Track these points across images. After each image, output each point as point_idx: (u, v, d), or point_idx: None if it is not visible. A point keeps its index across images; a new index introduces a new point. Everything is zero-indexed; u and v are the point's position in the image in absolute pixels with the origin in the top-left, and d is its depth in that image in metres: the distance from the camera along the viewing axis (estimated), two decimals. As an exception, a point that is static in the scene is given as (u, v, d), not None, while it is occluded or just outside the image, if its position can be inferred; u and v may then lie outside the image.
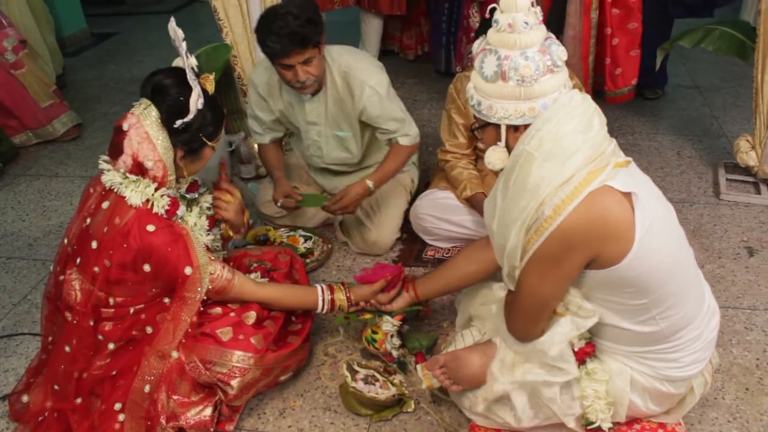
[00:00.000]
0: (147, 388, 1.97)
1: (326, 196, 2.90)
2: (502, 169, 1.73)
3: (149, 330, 2.00)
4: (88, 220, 1.95)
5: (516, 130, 1.66)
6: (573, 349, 1.78)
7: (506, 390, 1.86)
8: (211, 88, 1.97)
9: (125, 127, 1.89)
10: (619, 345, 1.80)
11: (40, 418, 2.07)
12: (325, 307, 2.22)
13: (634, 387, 1.82)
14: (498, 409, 1.91)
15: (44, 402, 2.08)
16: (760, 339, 2.39)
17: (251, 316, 2.09)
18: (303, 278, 2.43)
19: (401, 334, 2.33)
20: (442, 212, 2.85)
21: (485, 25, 1.66)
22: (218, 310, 2.09)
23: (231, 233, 2.26)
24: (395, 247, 2.98)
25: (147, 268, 1.90)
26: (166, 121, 1.89)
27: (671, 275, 1.67)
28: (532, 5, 1.60)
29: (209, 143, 1.98)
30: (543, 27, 1.63)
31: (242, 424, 2.15)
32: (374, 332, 2.26)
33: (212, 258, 2.03)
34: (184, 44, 1.89)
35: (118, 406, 1.98)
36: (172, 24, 1.90)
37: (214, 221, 2.15)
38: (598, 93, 3.79)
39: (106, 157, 1.95)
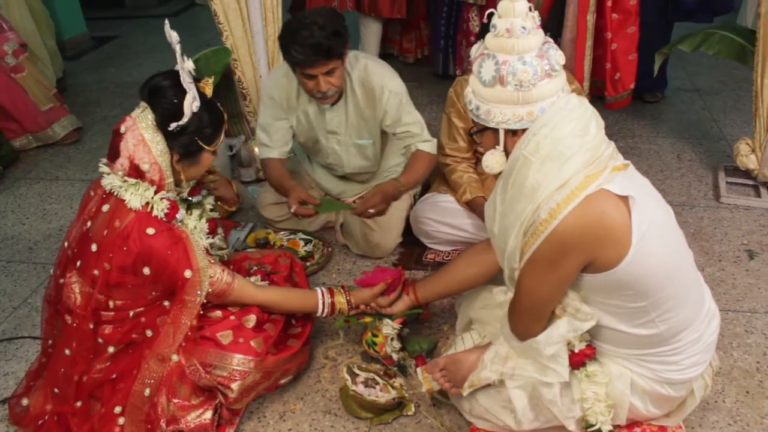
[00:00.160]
0: (147, 392, 1.97)
1: (345, 202, 2.85)
2: (501, 173, 1.73)
3: (149, 333, 2.00)
4: (89, 224, 1.95)
5: (514, 134, 1.67)
6: (573, 351, 1.78)
7: (492, 379, 1.86)
8: (209, 91, 1.97)
9: (122, 130, 1.90)
10: (619, 348, 1.80)
11: (40, 422, 2.07)
12: (325, 310, 2.22)
13: (634, 390, 1.82)
14: (498, 412, 1.91)
15: (44, 405, 2.08)
16: (761, 342, 2.39)
17: (251, 320, 2.09)
18: (303, 281, 2.43)
19: (401, 337, 2.33)
20: (442, 215, 2.85)
21: (486, 30, 1.66)
22: (218, 313, 2.09)
23: (226, 208, 2.28)
24: (395, 251, 2.98)
25: (147, 271, 1.90)
26: (161, 124, 1.89)
27: (670, 278, 1.67)
28: (530, 10, 1.60)
29: (206, 147, 1.98)
30: (541, 31, 1.63)
31: (242, 428, 2.15)
32: (374, 335, 2.26)
33: (212, 261, 2.03)
34: (178, 47, 1.89)
35: (118, 409, 1.98)
36: (167, 27, 1.90)
37: (215, 225, 2.15)
38: (596, 97, 3.79)
39: (105, 161, 1.95)
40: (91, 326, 1.97)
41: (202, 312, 2.02)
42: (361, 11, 4.61)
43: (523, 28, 1.58)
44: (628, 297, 1.66)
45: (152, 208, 1.90)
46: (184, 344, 1.99)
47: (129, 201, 1.88)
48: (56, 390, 2.04)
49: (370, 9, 4.56)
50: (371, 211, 2.74)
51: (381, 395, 2.12)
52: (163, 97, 1.88)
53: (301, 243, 2.97)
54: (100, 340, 1.99)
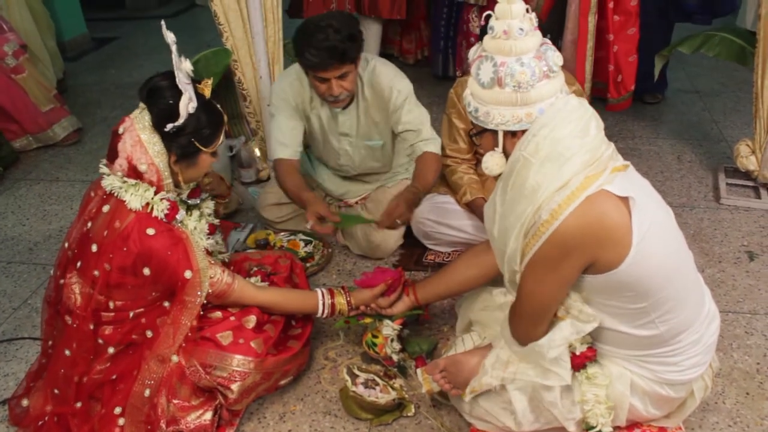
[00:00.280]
0: (147, 392, 1.97)
1: (366, 216, 2.79)
2: (500, 175, 1.73)
3: (149, 334, 2.00)
4: (89, 224, 1.95)
5: (513, 135, 1.67)
6: (575, 353, 1.77)
7: (494, 385, 1.86)
8: (208, 93, 1.97)
9: (121, 130, 1.91)
10: (619, 349, 1.80)
11: (40, 423, 2.07)
12: (326, 311, 2.22)
13: (634, 391, 1.82)
14: (498, 413, 1.91)
15: (44, 406, 2.08)
16: (761, 343, 2.39)
17: (251, 320, 2.09)
18: (303, 282, 2.43)
19: (401, 338, 2.33)
20: (442, 217, 2.85)
21: (485, 32, 1.67)
22: (218, 314, 2.09)
23: (219, 201, 2.28)
24: (395, 252, 2.98)
25: (147, 271, 1.90)
26: (157, 125, 1.89)
27: (670, 279, 1.67)
28: (527, 12, 1.61)
29: (203, 149, 1.97)
30: (538, 33, 1.64)
31: (242, 428, 2.15)
32: (374, 336, 2.26)
33: (212, 262, 2.03)
34: (174, 47, 1.88)
35: (118, 410, 1.98)
36: (164, 28, 1.90)
37: (214, 227, 2.15)
38: (596, 99, 3.79)
39: (105, 161, 1.96)
40: (91, 327, 1.97)
41: (202, 313, 2.02)
42: (361, 13, 4.61)
43: (521, 29, 1.58)
44: (629, 298, 1.66)
45: (152, 208, 1.90)
46: (184, 345, 1.99)
47: (129, 202, 1.89)
48: (56, 391, 2.04)
49: (370, 10, 4.56)
50: (398, 221, 2.70)
51: (381, 396, 2.12)
52: (160, 97, 1.88)
53: (301, 244, 2.97)
54: (100, 341, 1.99)
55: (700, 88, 4.69)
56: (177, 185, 2.01)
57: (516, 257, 1.68)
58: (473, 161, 2.85)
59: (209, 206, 2.16)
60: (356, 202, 3.11)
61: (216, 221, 2.17)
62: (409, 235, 2.99)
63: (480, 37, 1.69)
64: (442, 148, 2.86)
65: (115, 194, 1.90)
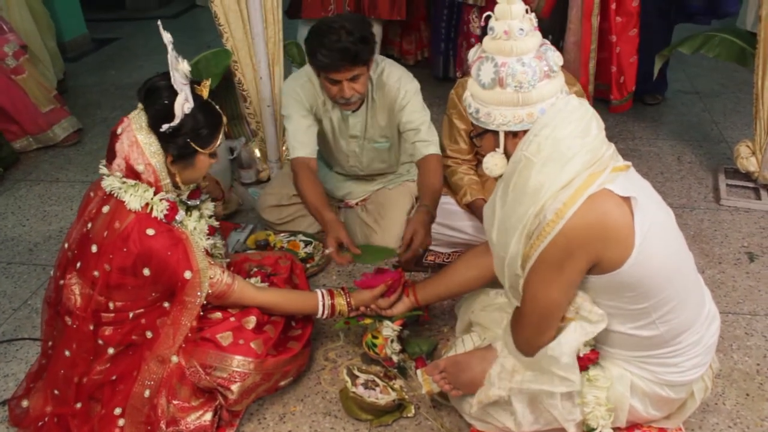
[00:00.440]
0: (147, 393, 1.97)
1: (390, 249, 2.63)
2: (501, 176, 1.73)
3: (149, 335, 2.00)
4: (89, 225, 1.95)
5: (515, 136, 1.67)
6: (579, 355, 1.77)
7: (502, 396, 1.86)
8: (206, 93, 1.96)
9: (119, 131, 1.91)
10: (619, 350, 1.79)
11: (40, 423, 2.07)
12: (325, 312, 2.22)
13: (634, 392, 1.82)
14: (498, 414, 1.91)
15: (44, 407, 2.08)
16: (761, 344, 2.39)
17: (251, 321, 2.09)
18: (303, 283, 2.43)
19: (401, 339, 2.33)
20: (442, 217, 2.85)
21: (486, 33, 1.67)
22: (218, 314, 2.09)
23: (219, 203, 2.28)
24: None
25: (147, 272, 1.90)
26: (153, 126, 1.89)
27: (671, 280, 1.67)
28: (527, 12, 1.61)
29: (200, 150, 1.96)
30: (538, 33, 1.64)
31: (242, 429, 2.15)
32: (374, 337, 2.26)
33: (212, 262, 2.03)
34: (170, 47, 1.88)
35: (118, 410, 1.98)
36: (161, 28, 1.90)
37: (214, 229, 2.15)
38: (599, 100, 3.80)
39: (105, 162, 1.96)
40: (91, 328, 1.97)
41: (202, 313, 2.02)
42: (361, 14, 4.60)
43: (521, 29, 1.58)
44: (630, 299, 1.66)
45: (152, 209, 1.90)
46: (184, 345, 1.99)
47: (128, 202, 1.89)
48: (56, 391, 2.04)
49: (369, 11, 4.56)
50: (420, 250, 2.60)
51: (381, 397, 2.12)
52: (157, 98, 1.88)
53: (301, 245, 2.97)
54: (100, 342, 1.99)
55: (700, 89, 4.69)
56: (176, 186, 2.01)
57: (516, 261, 1.67)
58: (474, 162, 2.85)
59: (209, 207, 2.16)
60: (357, 203, 3.11)
61: (216, 223, 2.17)
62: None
63: (481, 38, 1.69)
64: (443, 149, 2.86)
65: (115, 195, 1.90)
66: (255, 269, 2.38)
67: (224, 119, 2.04)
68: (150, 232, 1.88)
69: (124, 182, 1.91)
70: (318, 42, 2.44)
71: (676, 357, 1.76)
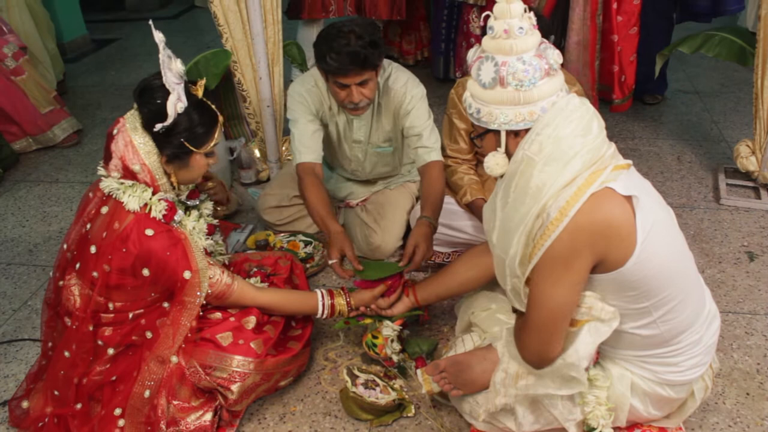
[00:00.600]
0: (147, 393, 1.97)
1: (394, 264, 2.53)
2: (501, 176, 1.73)
3: (149, 335, 2.00)
4: (88, 226, 1.95)
5: (516, 135, 1.67)
6: None
7: (509, 403, 1.85)
8: (200, 93, 1.96)
9: (114, 131, 1.91)
10: (620, 349, 1.80)
11: (40, 424, 2.07)
12: (325, 312, 2.22)
13: (634, 391, 1.82)
14: (498, 414, 1.91)
15: (44, 407, 2.08)
16: (761, 344, 2.39)
17: (251, 321, 2.09)
18: (303, 283, 2.43)
19: (401, 339, 2.33)
20: (442, 217, 2.84)
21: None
22: (218, 315, 2.09)
23: (218, 209, 2.27)
24: (395, 252, 2.98)
25: (146, 272, 1.90)
26: (146, 126, 1.89)
27: (672, 279, 1.67)
28: (525, 11, 1.61)
29: (195, 149, 1.95)
30: (537, 32, 1.64)
31: (242, 429, 2.15)
32: (374, 337, 2.26)
33: (211, 262, 2.03)
34: (162, 46, 1.87)
35: (118, 411, 1.98)
36: (153, 27, 1.90)
37: (213, 228, 2.15)
38: (600, 100, 3.80)
39: (102, 163, 1.96)
40: (91, 328, 1.97)
41: (201, 313, 2.02)
42: (362, 14, 4.61)
43: (521, 28, 1.58)
44: (631, 298, 1.66)
45: (150, 209, 1.90)
46: (183, 346, 1.99)
47: (127, 203, 1.88)
48: (56, 392, 2.04)
49: (370, 12, 4.56)
50: (424, 262, 2.55)
51: (381, 397, 2.12)
52: (150, 98, 1.88)
53: (301, 245, 2.97)
54: (99, 342, 1.99)
55: (700, 89, 4.69)
56: (174, 186, 2.01)
57: (517, 260, 1.67)
58: (474, 161, 2.85)
59: (208, 207, 2.16)
60: (357, 204, 3.10)
61: (215, 222, 2.17)
62: (408, 235, 2.98)
63: (481, 38, 1.69)
64: (443, 149, 2.86)
65: (114, 195, 1.90)
66: (255, 269, 2.38)
67: (220, 118, 2.03)
68: (149, 232, 1.88)
69: (122, 183, 1.91)
70: (327, 46, 2.41)
71: (676, 356, 1.76)
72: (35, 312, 2.74)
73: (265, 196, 3.12)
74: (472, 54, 1.70)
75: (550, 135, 1.59)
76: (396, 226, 2.94)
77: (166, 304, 2.02)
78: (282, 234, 3.04)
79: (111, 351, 2.00)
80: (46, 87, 4.32)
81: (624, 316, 1.70)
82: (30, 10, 4.62)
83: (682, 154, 3.79)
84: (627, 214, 1.59)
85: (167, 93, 1.85)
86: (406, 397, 2.19)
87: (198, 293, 1.96)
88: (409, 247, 2.40)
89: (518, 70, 1.58)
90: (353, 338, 2.48)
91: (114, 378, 2.01)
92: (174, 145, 1.92)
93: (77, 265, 1.97)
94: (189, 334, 1.99)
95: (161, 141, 1.91)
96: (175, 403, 2.00)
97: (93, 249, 1.92)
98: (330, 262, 2.38)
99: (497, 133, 1.68)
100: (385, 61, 2.69)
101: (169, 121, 1.86)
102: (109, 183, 1.92)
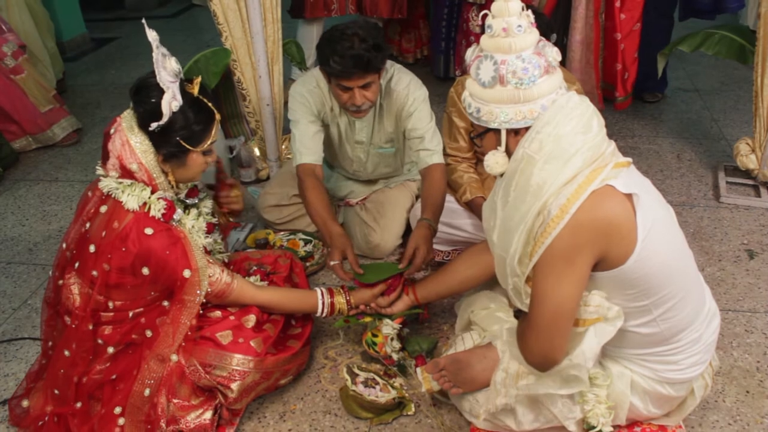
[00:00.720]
0: (147, 392, 1.97)
1: (394, 265, 2.50)
2: (501, 175, 1.73)
3: (149, 334, 2.00)
4: (87, 225, 1.95)
5: (516, 133, 1.67)
6: None
7: (509, 403, 1.85)
8: (195, 91, 1.95)
9: (111, 131, 1.91)
10: (620, 348, 1.79)
11: (40, 423, 2.07)
12: (325, 310, 2.22)
13: (634, 390, 1.82)
14: (498, 413, 1.90)
15: (44, 406, 2.08)
16: (761, 342, 2.39)
17: (251, 320, 2.09)
18: (303, 282, 2.43)
19: (401, 337, 2.33)
20: (442, 215, 2.85)
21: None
22: (218, 313, 2.09)
23: (231, 219, 2.27)
24: (395, 251, 2.98)
25: (146, 271, 1.90)
26: (142, 124, 1.89)
27: (672, 277, 1.67)
28: (523, 9, 1.61)
29: (190, 148, 1.95)
30: (536, 29, 1.64)
31: (242, 428, 2.15)
32: (374, 335, 2.26)
33: (211, 261, 2.03)
34: (154, 44, 1.87)
35: (118, 410, 1.98)
36: (146, 26, 1.89)
37: (213, 226, 2.15)
38: (606, 100, 3.81)
39: (100, 163, 1.96)
40: (91, 327, 1.97)
41: (201, 312, 2.02)
42: (363, 13, 4.61)
43: (519, 26, 1.58)
44: (631, 296, 1.66)
45: (149, 208, 1.90)
46: (183, 344, 1.99)
47: (126, 202, 1.88)
48: (56, 391, 2.04)
49: (371, 10, 4.56)
50: (425, 264, 2.51)
51: (381, 395, 2.12)
52: (145, 97, 1.87)
53: (301, 243, 2.97)
54: (99, 341, 1.99)
55: (700, 87, 4.69)
56: (173, 185, 2.01)
57: (516, 259, 1.67)
58: (473, 160, 2.85)
59: (207, 205, 2.15)
60: (357, 202, 3.10)
61: (214, 220, 2.16)
62: (409, 234, 2.98)
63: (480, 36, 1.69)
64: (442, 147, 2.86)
65: (113, 195, 1.90)
66: (255, 268, 2.38)
67: (217, 116, 2.01)
68: (148, 231, 1.88)
69: (120, 182, 1.91)
70: (331, 49, 2.40)
71: (676, 355, 1.76)
72: (35, 311, 2.74)
73: (264, 195, 3.12)
74: (470, 53, 1.70)
75: (551, 133, 1.59)
76: (395, 225, 2.94)
77: (165, 303, 2.01)
78: (282, 232, 3.04)
79: (111, 350, 2.00)
80: (46, 86, 4.32)
81: (624, 314, 1.70)
82: (29, 8, 4.61)
83: (682, 152, 3.79)
84: (628, 212, 1.59)
85: (162, 92, 1.84)
86: (406, 395, 2.19)
87: (198, 292, 1.96)
88: (409, 249, 2.39)
89: (518, 68, 1.58)
90: (353, 337, 2.48)
91: (114, 377, 2.01)
92: (170, 143, 1.91)
93: (77, 264, 1.97)
94: (189, 333, 1.99)
95: (157, 140, 1.90)
96: (175, 401, 2.00)
97: (92, 248, 1.91)
98: (331, 263, 2.37)
99: (497, 132, 1.67)
100: (387, 62, 2.68)
101: (164, 120, 1.85)
102: (108, 182, 1.92)
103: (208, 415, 2.04)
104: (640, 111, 4.31)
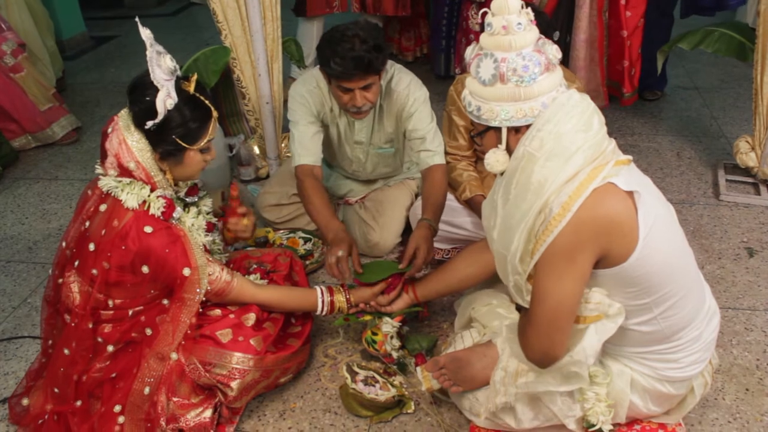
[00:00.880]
0: (147, 390, 1.97)
1: (394, 264, 2.45)
2: (501, 173, 1.73)
3: (149, 332, 2.00)
4: (87, 223, 1.95)
5: (517, 131, 1.66)
6: None
7: (509, 402, 1.85)
8: (191, 89, 1.94)
9: (109, 130, 1.91)
10: (620, 346, 1.79)
11: (40, 421, 2.07)
12: (325, 308, 2.22)
13: (634, 388, 1.82)
14: (498, 411, 1.90)
15: (44, 405, 2.07)
16: (760, 339, 2.39)
17: (251, 318, 2.09)
18: (303, 280, 2.43)
19: (401, 336, 2.33)
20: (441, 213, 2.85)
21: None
22: (218, 311, 2.09)
23: (237, 244, 2.26)
24: (395, 249, 2.98)
25: (145, 269, 1.90)
26: (137, 123, 1.88)
27: (672, 275, 1.67)
28: (523, 7, 1.60)
29: (187, 146, 1.94)
30: (535, 27, 1.63)
31: (242, 426, 2.15)
32: (374, 334, 2.26)
33: (210, 259, 2.03)
34: (148, 42, 1.86)
35: (117, 408, 1.98)
36: (140, 24, 1.89)
37: (212, 225, 2.14)
38: (612, 98, 3.81)
39: (99, 161, 1.96)
40: (90, 325, 1.97)
41: (201, 310, 2.02)
42: (366, 11, 4.61)
43: (519, 24, 1.58)
44: (632, 294, 1.66)
45: (149, 206, 1.90)
46: (183, 343, 1.99)
47: (126, 201, 1.88)
48: (56, 389, 2.04)
49: (374, 9, 4.56)
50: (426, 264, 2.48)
51: (381, 393, 2.12)
52: (140, 95, 1.87)
53: (301, 241, 2.97)
54: (99, 339, 1.99)
55: (700, 85, 4.69)
56: (171, 183, 2.01)
57: (518, 257, 1.67)
58: (473, 158, 2.85)
59: (207, 203, 2.15)
60: (356, 201, 3.10)
61: (214, 219, 2.16)
62: (408, 232, 2.98)
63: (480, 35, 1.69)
64: (442, 146, 2.86)
65: (112, 193, 1.90)
66: (254, 266, 2.38)
67: (214, 113, 1.99)
68: (148, 229, 1.88)
69: (119, 181, 1.91)
70: (331, 50, 2.39)
71: (676, 353, 1.76)
72: (35, 309, 2.74)
73: (264, 194, 3.11)
74: (470, 51, 1.69)
75: (551, 131, 1.59)
76: (394, 224, 2.94)
77: (165, 301, 2.02)
78: (281, 231, 3.04)
79: (111, 348, 2.00)
80: (45, 84, 4.32)
81: (625, 312, 1.70)
82: (29, 7, 4.61)
83: (682, 150, 3.79)
84: (629, 210, 1.58)
85: (157, 90, 1.84)
86: (406, 393, 2.19)
87: (197, 290, 1.96)
88: (409, 249, 2.37)
89: (518, 65, 1.57)
90: (353, 335, 2.48)
91: (114, 375, 2.01)
92: (167, 142, 1.91)
93: (76, 263, 1.97)
94: (189, 331, 1.99)
95: (154, 138, 1.90)
96: (175, 399, 2.00)
97: (92, 246, 1.91)
98: (339, 253, 2.30)
99: (498, 130, 1.67)
100: (388, 63, 2.67)
101: (159, 118, 1.85)
102: (107, 181, 1.91)
103: (208, 413, 2.04)
104: (639, 109, 4.30)
